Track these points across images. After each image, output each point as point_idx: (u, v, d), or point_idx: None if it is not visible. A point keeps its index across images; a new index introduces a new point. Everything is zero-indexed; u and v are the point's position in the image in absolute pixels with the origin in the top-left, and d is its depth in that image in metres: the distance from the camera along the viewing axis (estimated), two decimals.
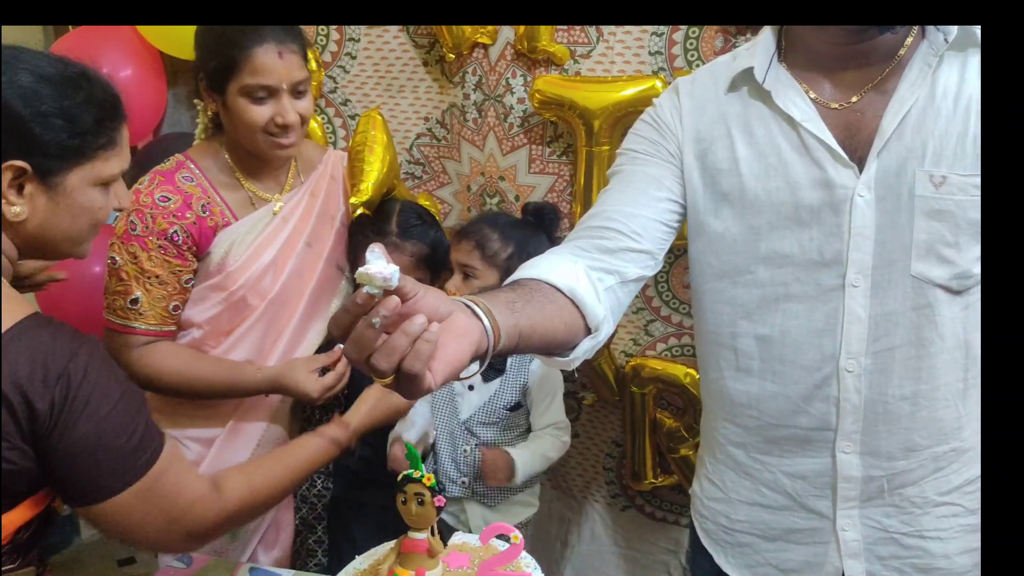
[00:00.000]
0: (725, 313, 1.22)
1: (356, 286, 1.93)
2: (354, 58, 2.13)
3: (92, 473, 1.07)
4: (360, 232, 1.82)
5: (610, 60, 1.86)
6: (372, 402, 1.51)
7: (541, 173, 1.98)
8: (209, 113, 1.71)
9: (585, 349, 1.09)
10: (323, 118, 2.20)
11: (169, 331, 1.67)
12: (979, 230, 1.06)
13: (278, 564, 1.87)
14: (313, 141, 2.00)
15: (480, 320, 0.89)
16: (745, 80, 1.19)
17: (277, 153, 1.68)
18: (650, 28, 1.81)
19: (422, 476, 1.03)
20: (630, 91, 1.80)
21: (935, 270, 1.09)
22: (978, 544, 1.16)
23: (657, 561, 2.18)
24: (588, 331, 1.09)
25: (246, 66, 1.56)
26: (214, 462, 1.72)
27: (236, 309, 1.71)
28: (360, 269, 0.75)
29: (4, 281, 1.08)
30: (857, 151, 1.11)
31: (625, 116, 1.79)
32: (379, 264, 0.75)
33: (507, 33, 1.90)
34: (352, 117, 2.18)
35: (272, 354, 1.75)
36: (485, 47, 1.94)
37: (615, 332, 1.98)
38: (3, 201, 1.07)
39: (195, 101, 1.72)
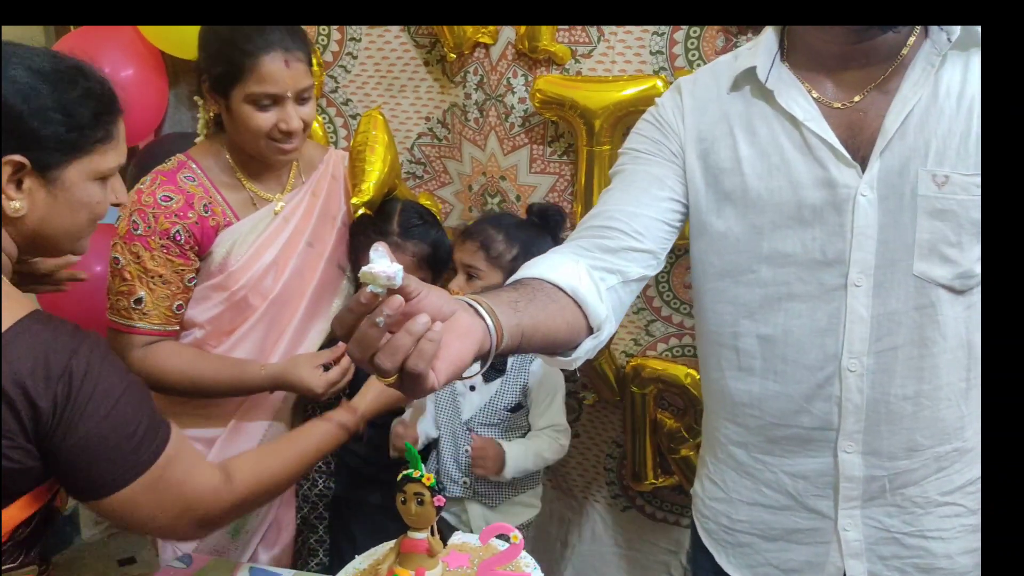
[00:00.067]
0: (727, 313, 1.22)
1: (357, 286, 1.93)
2: (355, 58, 2.13)
3: (98, 468, 1.07)
4: (362, 232, 1.82)
5: (611, 60, 1.85)
6: (379, 387, 1.52)
7: (542, 173, 1.98)
8: (211, 114, 1.71)
9: (587, 349, 1.09)
10: (324, 118, 2.20)
11: (173, 331, 1.67)
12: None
13: (279, 563, 1.87)
14: (314, 141, 2.00)
15: (483, 319, 0.89)
16: (747, 79, 1.19)
17: (279, 158, 1.69)
18: (651, 28, 1.81)
19: (422, 476, 1.03)
20: (631, 91, 1.79)
21: (938, 270, 1.09)
22: (980, 544, 1.16)
23: (658, 562, 2.18)
24: (590, 331, 1.09)
25: (252, 74, 1.56)
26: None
27: (237, 309, 1.71)
28: (364, 268, 0.75)
29: (4, 279, 1.07)
30: (860, 151, 1.11)
31: (626, 116, 1.79)
32: (383, 263, 0.75)
33: (508, 33, 1.90)
34: (353, 117, 2.18)
35: (273, 354, 1.75)
36: (486, 47, 1.94)
37: (616, 332, 1.98)
38: (3, 196, 1.07)
39: (196, 99, 1.72)
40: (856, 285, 1.12)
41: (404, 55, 2.10)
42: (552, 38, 1.86)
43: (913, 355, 1.12)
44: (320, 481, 1.97)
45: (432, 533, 1.06)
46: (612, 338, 1.95)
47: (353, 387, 1.70)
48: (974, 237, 1.07)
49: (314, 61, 1.71)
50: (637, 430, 2.03)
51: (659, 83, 1.78)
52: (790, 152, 1.14)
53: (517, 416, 1.80)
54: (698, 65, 1.78)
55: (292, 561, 1.94)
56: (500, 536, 1.08)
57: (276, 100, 1.59)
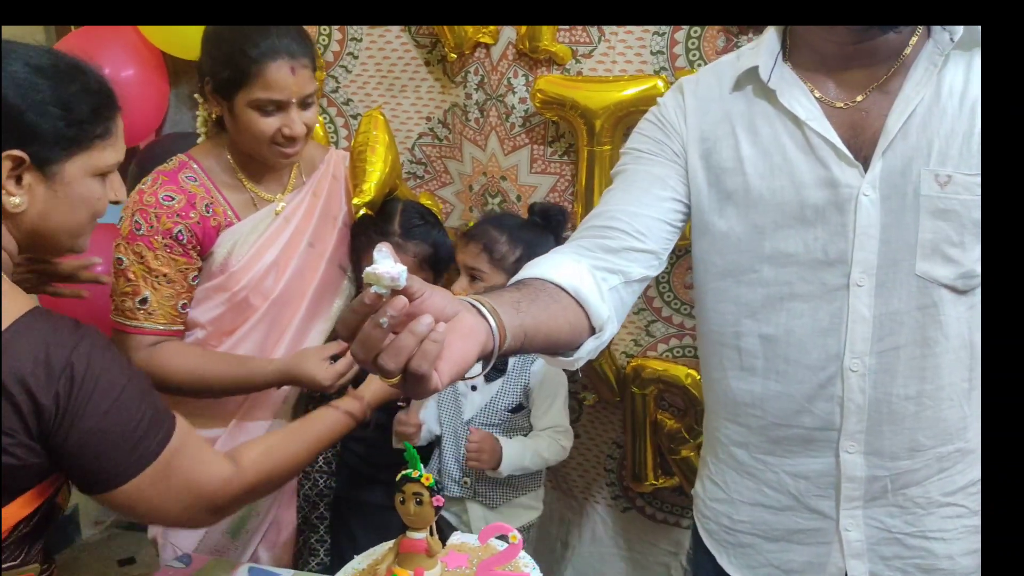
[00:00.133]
0: (729, 312, 1.22)
1: (358, 286, 1.94)
2: (356, 58, 2.14)
3: (104, 461, 1.07)
4: (363, 232, 1.82)
5: (612, 60, 1.85)
6: None
7: (543, 173, 1.98)
8: (213, 116, 1.71)
9: (589, 349, 1.09)
10: (325, 118, 2.20)
11: (178, 330, 1.66)
12: None
13: (280, 563, 1.87)
14: (315, 141, 2.00)
15: (486, 320, 0.89)
16: (750, 79, 1.19)
17: (281, 161, 1.69)
18: (652, 28, 1.81)
19: (420, 476, 1.03)
20: (632, 91, 1.79)
21: (940, 270, 1.09)
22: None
23: (658, 563, 2.18)
24: (592, 331, 1.09)
25: (258, 81, 1.56)
26: None
27: (238, 309, 1.71)
28: (368, 269, 0.75)
29: (4, 276, 1.08)
30: (862, 150, 1.11)
31: (627, 116, 1.79)
32: (387, 264, 0.75)
33: (509, 33, 1.90)
34: (354, 117, 2.18)
35: (274, 354, 1.74)
36: (487, 47, 1.94)
37: (616, 333, 1.98)
38: (3, 192, 1.07)
39: (196, 97, 1.72)
40: (858, 285, 1.12)
41: (405, 55, 2.10)
42: (553, 38, 1.86)
43: (915, 355, 1.12)
44: (321, 480, 1.97)
45: (431, 533, 1.06)
46: (613, 338, 1.96)
47: (359, 377, 1.70)
48: (977, 237, 1.07)
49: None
50: (637, 431, 2.03)
51: (660, 83, 1.78)
52: (792, 152, 1.14)
53: (518, 417, 1.80)
54: (699, 65, 1.78)
55: (293, 561, 1.94)
56: (501, 537, 1.08)
57: (280, 106, 1.60)
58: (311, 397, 1.83)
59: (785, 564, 1.26)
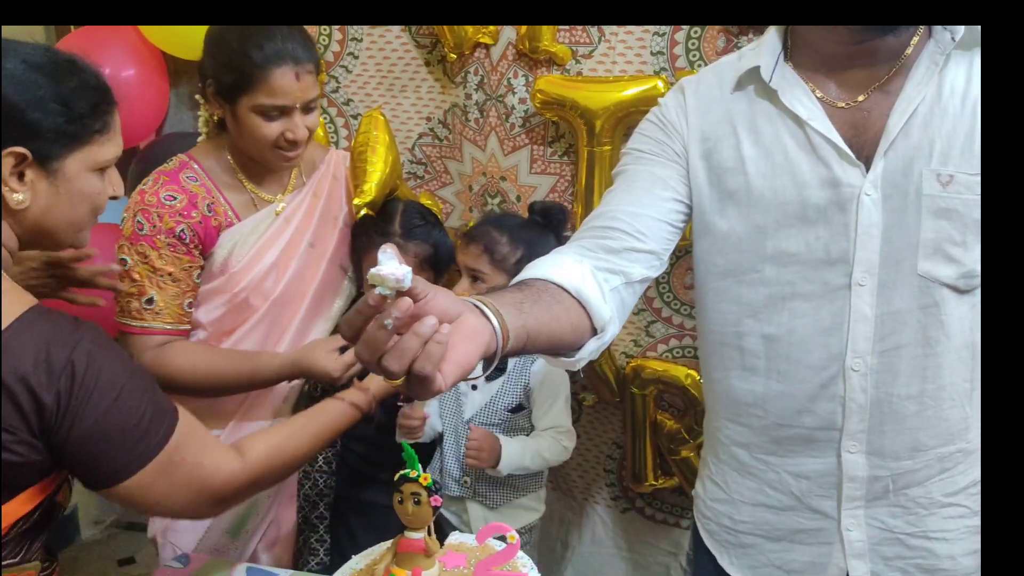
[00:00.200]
0: (731, 312, 1.22)
1: (359, 286, 1.94)
2: (356, 58, 2.14)
3: (108, 457, 1.08)
4: (363, 233, 1.82)
5: (612, 60, 1.85)
6: None
7: (543, 173, 1.98)
8: (215, 118, 1.71)
9: (591, 350, 1.09)
10: (325, 118, 2.20)
11: (184, 329, 1.66)
12: None
13: (279, 563, 1.87)
14: (315, 141, 2.00)
15: (489, 321, 0.89)
16: (751, 79, 1.19)
17: (283, 164, 1.69)
18: (652, 28, 1.81)
19: (419, 476, 1.03)
20: (632, 91, 1.79)
21: (942, 269, 1.09)
22: None
23: (658, 563, 2.18)
24: (594, 331, 1.09)
25: (263, 86, 1.56)
26: None
27: (239, 310, 1.71)
28: (372, 270, 0.75)
29: (4, 275, 1.08)
30: (864, 150, 1.11)
31: (627, 116, 1.79)
32: (392, 265, 0.75)
33: (509, 33, 1.90)
34: (354, 117, 2.18)
35: None
36: (487, 47, 1.93)
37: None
38: (5, 189, 1.08)
39: (197, 98, 1.72)
40: (860, 284, 1.12)
41: (405, 55, 2.10)
42: (553, 38, 1.86)
43: (917, 355, 1.12)
44: (321, 480, 1.97)
45: (429, 533, 1.06)
46: (613, 339, 1.96)
47: (364, 369, 1.70)
48: (978, 237, 1.07)
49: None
50: (637, 431, 2.03)
51: (660, 83, 1.77)
52: (794, 151, 1.14)
53: (519, 417, 1.80)
54: (699, 66, 1.78)
55: (292, 560, 1.94)
56: (501, 537, 1.08)
57: (284, 111, 1.60)
58: (311, 397, 1.83)
59: (787, 564, 1.26)
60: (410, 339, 0.76)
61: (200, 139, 1.81)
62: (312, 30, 2.09)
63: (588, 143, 1.84)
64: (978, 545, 1.18)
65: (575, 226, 1.62)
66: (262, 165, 1.71)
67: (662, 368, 1.95)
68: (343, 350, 1.65)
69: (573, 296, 1.06)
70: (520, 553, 1.08)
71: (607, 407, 2.11)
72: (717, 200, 1.20)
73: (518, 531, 1.05)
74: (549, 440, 1.79)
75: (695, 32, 1.78)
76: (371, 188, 1.78)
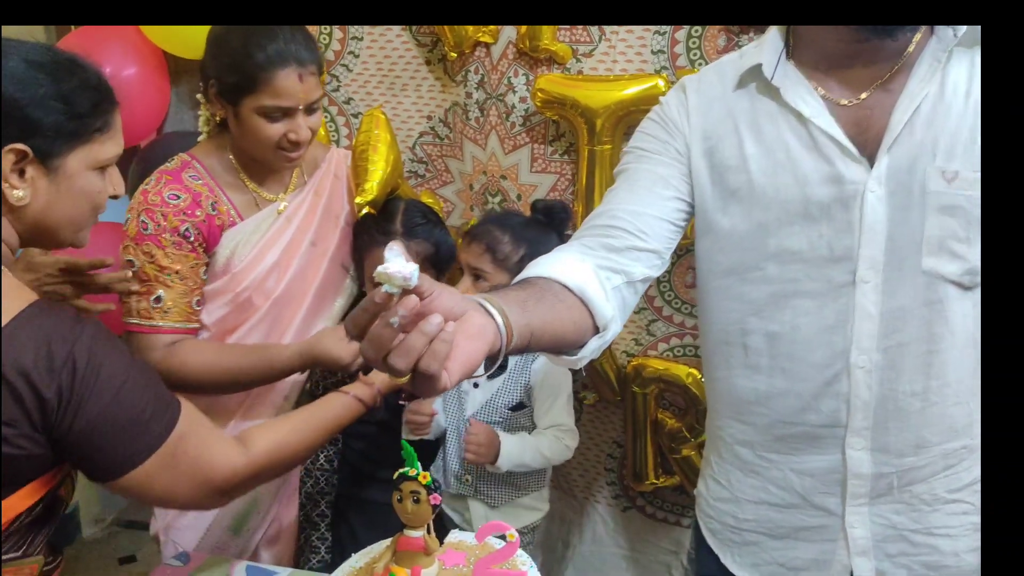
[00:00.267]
0: (734, 310, 1.21)
1: (360, 285, 1.93)
2: (357, 56, 2.14)
3: (109, 450, 1.09)
4: (365, 231, 1.82)
5: (612, 59, 1.85)
6: None
7: (543, 172, 1.98)
8: (217, 118, 1.71)
9: (593, 348, 1.09)
10: (326, 116, 2.20)
11: (193, 328, 1.66)
12: None
13: (281, 561, 1.87)
14: (316, 140, 2.00)
15: (494, 319, 0.89)
16: (753, 77, 1.19)
17: (285, 165, 1.69)
18: (652, 27, 1.81)
19: (418, 474, 1.03)
20: (632, 90, 1.79)
21: (947, 266, 1.09)
22: None
23: (658, 562, 2.18)
24: (596, 330, 1.09)
25: (266, 88, 1.56)
26: None
27: (241, 309, 1.71)
28: (379, 268, 0.75)
29: (5, 270, 1.09)
30: (867, 147, 1.10)
31: (627, 115, 1.79)
32: (398, 263, 0.75)
33: (509, 32, 1.89)
34: (355, 115, 2.18)
35: None
36: (487, 46, 1.93)
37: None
38: (6, 185, 1.09)
39: (198, 97, 1.72)
40: (864, 281, 1.11)
41: (406, 54, 2.10)
42: (553, 37, 1.86)
43: (921, 351, 1.12)
44: (322, 478, 1.97)
45: (428, 531, 1.06)
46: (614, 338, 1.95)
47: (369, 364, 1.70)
48: None
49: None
50: (638, 430, 2.03)
51: (660, 82, 1.77)
52: (796, 149, 1.13)
53: (519, 415, 1.80)
54: (700, 64, 1.78)
55: (294, 558, 1.94)
56: (502, 536, 1.08)
57: (287, 112, 1.60)
58: (312, 396, 1.83)
59: (790, 562, 1.26)
60: (416, 337, 0.76)
61: (201, 138, 1.81)
62: (312, 28, 2.09)
63: (589, 142, 1.84)
64: None
65: (577, 225, 1.62)
66: (264, 165, 1.71)
67: (663, 367, 1.95)
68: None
69: (576, 295, 1.06)
70: (519, 551, 1.08)
71: (608, 406, 2.11)
72: (719, 198, 1.20)
73: (520, 531, 1.04)
74: (550, 438, 1.78)
75: (696, 31, 1.77)
76: (373, 187, 1.78)
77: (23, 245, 1.18)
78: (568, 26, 1.86)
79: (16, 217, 1.13)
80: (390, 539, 1.11)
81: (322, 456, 1.94)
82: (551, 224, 1.83)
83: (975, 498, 1.18)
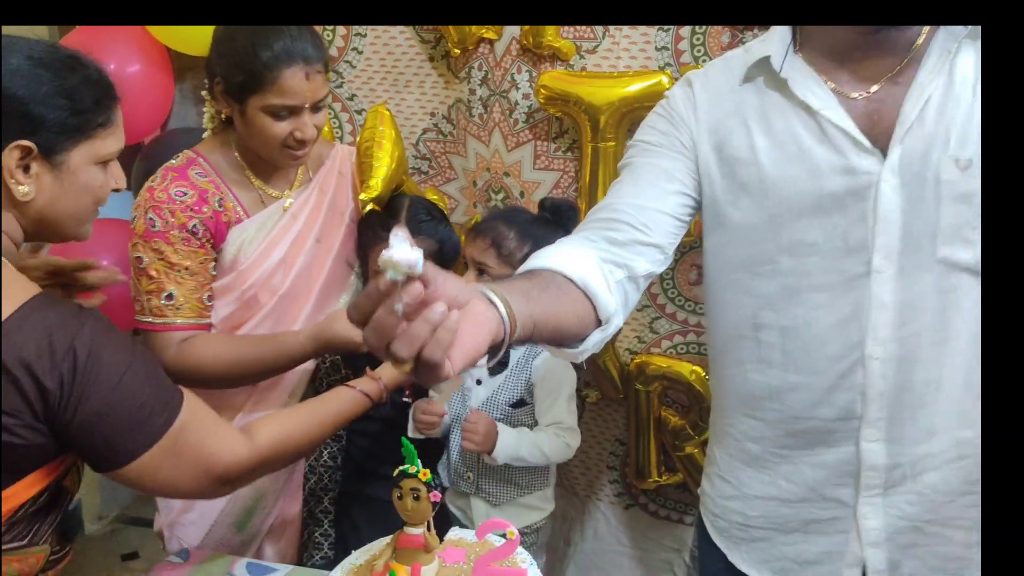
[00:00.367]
0: (746, 305, 1.21)
1: (365, 281, 1.93)
2: (360, 53, 2.14)
3: (112, 440, 1.11)
4: (370, 228, 1.82)
5: (616, 55, 1.85)
6: None
7: (546, 169, 1.98)
8: (223, 116, 1.71)
9: (595, 341, 1.09)
10: (329, 113, 2.20)
11: (205, 323, 1.66)
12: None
13: (284, 557, 1.88)
14: (320, 137, 2.00)
15: (497, 309, 0.88)
16: (760, 70, 1.18)
17: (291, 163, 1.70)
18: (656, 24, 1.80)
19: (418, 471, 1.03)
20: (636, 87, 1.79)
21: (962, 253, 1.08)
22: None
23: (661, 560, 2.18)
24: (598, 323, 1.09)
25: (273, 86, 1.56)
26: None
27: (247, 306, 1.71)
28: (384, 254, 0.73)
29: (7, 263, 1.10)
30: (879, 139, 1.10)
31: (631, 112, 1.79)
32: (403, 249, 0.73)
33: (512, 28, 1.89)
34: (358, 112, 2.18)
35: None
36: (491, 42, 1.93)
37: (620, 330, 1.98)
38: (11, 181, 1.11)
39: (203, 94, 1.72)
40: (879, 271, 1.11)
41: (409, 51, 2.10)
42: (556, 34, 1.85)
43: (936, 340, 1.11)
44: (326, 475, 1.98)
45: (428, 529, 1.06)
46: (616, 335, 1.95)
47: (375, 360, 1.70)
48: None
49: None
50: (641, 427, 2.03)
51: (664, 79, 1.77)
52: (807, 141, 1.13)
53: (520, 412, 1.80)
54: (704, 61, 1.77)
55: (297, 555, 1.95)
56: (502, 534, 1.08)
57: (293, 111, 1.60)
58: (317, 393, 1.83)
59: (801, 555, 1.25)
60: (420, 325, 0.75)
61: (205, 135, 1.81)
62: (316, 25, 2.09)
63: (592, 139, 1.84)
64: None
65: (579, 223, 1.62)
66: (269, 162, 1.71)
67: (666, 364, 1.95)
68: None
69: (579, 287, 1.06)
70: (520, 549, 1.08)
71: (610, 404, 2.10)
72: (730, 192, 1.19)
73: (522, 530, 1.04)
74: (548, 436, 1.77)
75: (700, 28, 1.77)
76: (377, 183, 1.78)
77: (28, 240, 1.19)
78: None
79: (21, 212, 1.15)
80: (390, 536, 1.11)
81: (326, 453, 1.95)
82: (558, 222, 1.83)
83: None
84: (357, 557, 1.16)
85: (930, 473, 1.16)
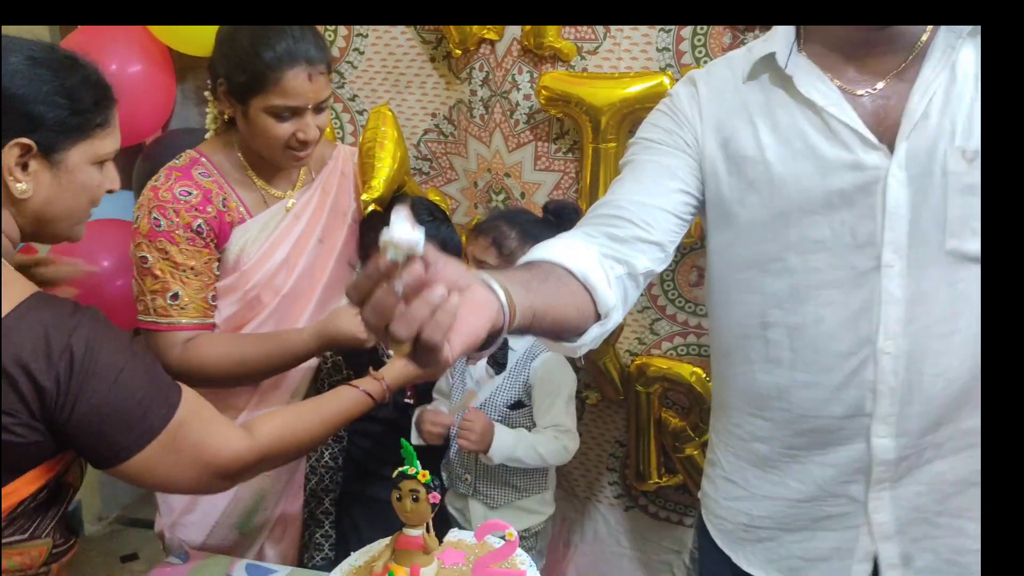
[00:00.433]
0: (754, 304, 1.20)
1: None
2: (362, 53, 2.14)
3: (111, 437, 1.11)
4: (372, 228, 1.82)
5: (617, 56, 1.85)
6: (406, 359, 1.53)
7: (547, 170, 1.98)
8: (225, 117, 1.71)
9: (593, 336, 1.08)
10: (331, 113, 2.20)
11: (210, 323, 1.66)
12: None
13: (286, 558, 1.87)
14: (323, 137, 2.00)
15: (497, 296, 0.87)
16: (765, 67, 1.18)
17: (293, 164, 1.69)
18: (658, 24, 1.80)
19: (417, 472, 1.02)
20: (637, 87, 1.79)
21: (970, 244, 1.08)
22: None
23: (661, 561, 2.18)
24: (598, 317, 1.08)
25: (275, 87, 1.56)
26: None
27: (249, 306, 1.71)
28: (384, 234, 0.71)
29: (5, 262, 1.10)
30: (885, 136, 1.10)
31: (632, 112, 1.79)
32: (405, 229, 0.71)
33: (513, 29, 1.89)
34: (360, 112, 2.18)
35: None
36: (492, 43, 1.93)
37: (620, 331, 1.98)
38: (10, 178, 1.11)
39: (205, 94, 1.72)
40: (889, 266, 1.10)
41: (410, 51, 2.10)
42: (558, 35, 1.85)
43: (945, 332, 1.11)
44: (327, 475, 1.98)
45: (428, 530, 1.06)
46: (616, 336, 1.95)
47: (379, 360, 1.70)
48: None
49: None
50: (641, 429, 2.02)
51: (665, 80, 1.77)
52: (814, 137, 1.13)
53: (518, 414, 1.79)
54: (705, 62, 1.77)
55: (298, 555, 1.94)
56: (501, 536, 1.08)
57: (296, 112, 1.59)
58: (318, 393, 1.83)
59: (809, 553, 1.24)
60: (419, 306, 0.74)
61: (208, 135, 1.81)
62: (318, 26, 2.09)
63: (593, 140, 1.84)
64: None
65: None
66: (272, 163, 1.71)
67: (667, 366, 1.95)
68: None
69: (579, 280, 1.05)
70: (519, 551, 1.08)
71: (610, 405, 2.10)
72: (737, 189, 1.18)
73: (521, 534, 1.04)
74: (546, 438, 1.77)
75: (701, 28, 1.77)
76: (379, 184, 1.78)
77: (24, 239, 1.20)
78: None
79: (18, 210, 1.15)
80: (390, 538, 1.11)
81: (327, 454, 1.95)
82: (560, 225, 1.83)
83: None
84: (356, 558, 1.16)
85: (938, 462, 1.15)
